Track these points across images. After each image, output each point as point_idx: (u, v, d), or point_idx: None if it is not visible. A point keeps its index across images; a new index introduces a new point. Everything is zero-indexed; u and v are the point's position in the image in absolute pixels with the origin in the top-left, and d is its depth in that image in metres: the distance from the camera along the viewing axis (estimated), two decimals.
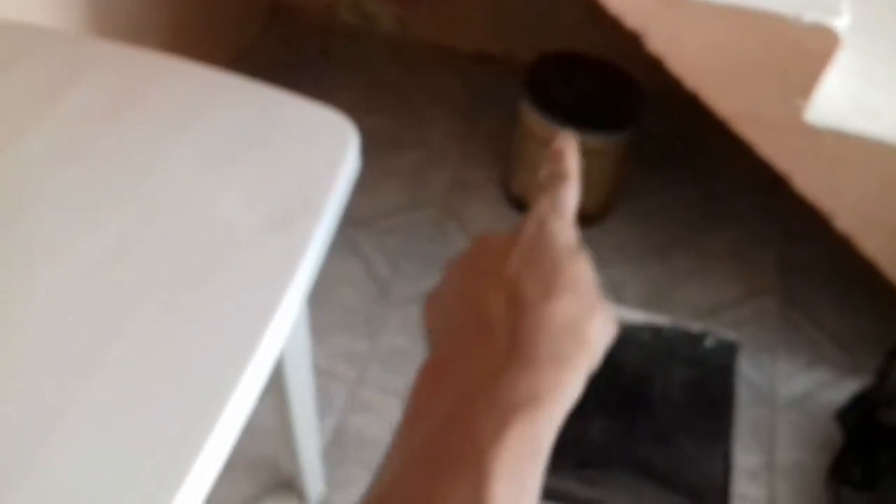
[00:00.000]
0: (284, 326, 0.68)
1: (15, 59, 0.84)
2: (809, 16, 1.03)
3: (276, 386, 0.99)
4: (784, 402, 1.36)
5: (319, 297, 1.40)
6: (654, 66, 1.13)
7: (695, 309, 1.47)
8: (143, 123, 0.80)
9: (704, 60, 1.11)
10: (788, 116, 1.11)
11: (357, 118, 1.76)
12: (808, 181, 1.18)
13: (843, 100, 1.15)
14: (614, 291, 1.48)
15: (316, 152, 0.82)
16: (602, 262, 1.54)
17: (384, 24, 1.89)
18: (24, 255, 0.68)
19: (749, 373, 1.38)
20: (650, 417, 1.27)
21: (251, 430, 1.22)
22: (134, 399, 0.60)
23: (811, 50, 1.05)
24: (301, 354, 0.99)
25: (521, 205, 1.57)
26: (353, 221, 1.52)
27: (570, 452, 1.21)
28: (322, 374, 1.31)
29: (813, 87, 1.09)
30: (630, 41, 1.11)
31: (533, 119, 1.46)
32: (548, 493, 1.21)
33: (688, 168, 1.68)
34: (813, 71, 1.08)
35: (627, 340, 1.36)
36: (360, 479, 1.20)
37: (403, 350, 1.35)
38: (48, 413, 0.58)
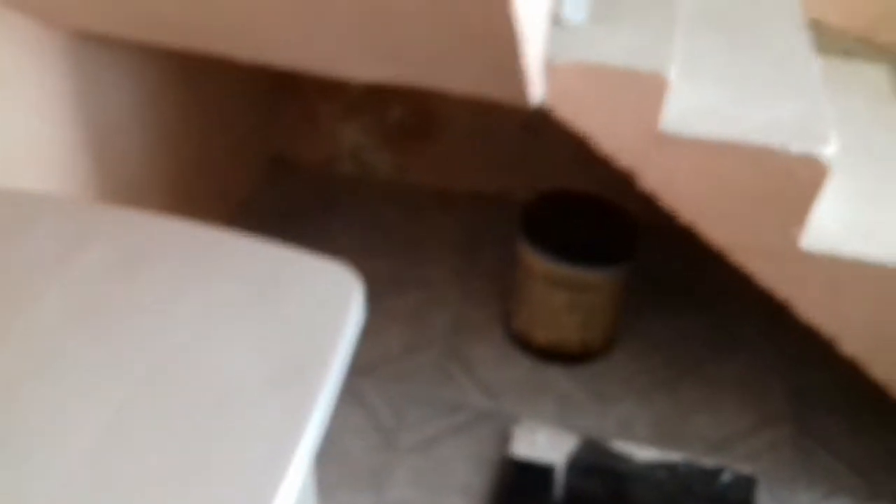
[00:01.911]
0: (294, 486, 0.66)
1: (24, 227, 0.85)
2: (797, 146, 1.06)
3: None
4: None
5: (322, 450, 1.37)
6: (649, 200, 1.15)
7: (707, 442, 1.43)
8: (151, 285, 0.80)
9: (698, 195, 1.13)
10: (784, 245, 1.12)
11: (358, 262, 1.77)
12: (810, 307, 1.18)
13: (837, 224, 1.16)
14: (624, 427, 1.44)
15: (320, 305, 0.81)
16: (609, 398, 1.52)
17: (382, 172, 1.93)
18: (45, 415, 0.67)
19: None
20: None
21: None
22: None
23: (802, 179, 1.07)
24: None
25: (523, 343, 1.56)
26: (356, 369, 1.49)
27: None
28: None
29: (806, 216, 1.10)
30: (624, 178, 1.14)
31: (531, 257, 1.48)
32: None
33: (690, 298, 1.69)
34: (805, 199, 1.10)
35: (642, 479, 1.31)
36: None
37: (411, 502, 1.31)
38: None
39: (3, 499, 0.62)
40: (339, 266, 0.85)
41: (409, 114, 1.83)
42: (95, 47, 1.25)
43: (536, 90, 1.06)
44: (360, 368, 1.50)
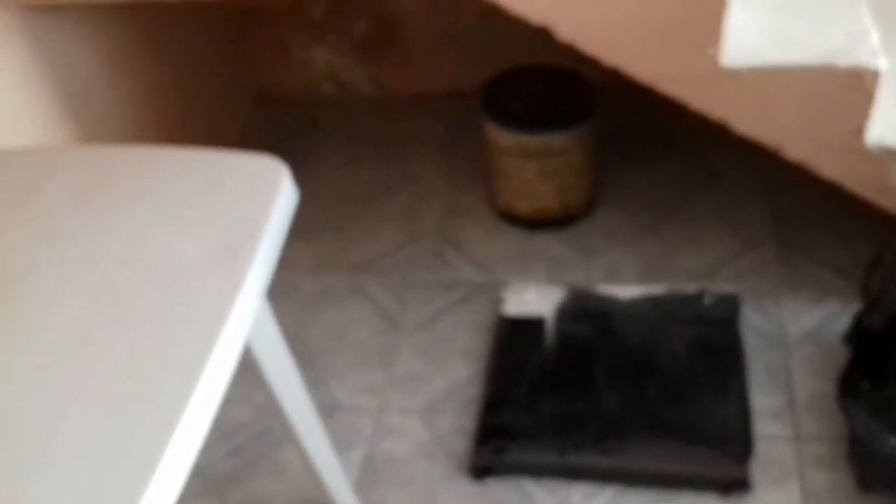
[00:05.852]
0: (240, 326, 0.78)
1: None
2: None
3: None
4: (796, 339, 1.37)
5: (334, 342, 1.50)
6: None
7: (693, 273, 1.50)
8: (107, 203, 0.92)
9: (613, 35, 1.18)
10: (705, 66, 1.17)
11: (350, 174, 1.91)
12: (745, 122, 1.22)
13: (755, 35, 1.20)
14: (611, 275, 1.52)
15: (252, 193, 0.93)
16: (596, 252, 1.61)
17: (361, 88, 2.02)
18: (20, 312, 0.80)
19: (756, 321, 1.40)
20: (661, 381, 1.30)
21: (287, 473, 1.30)
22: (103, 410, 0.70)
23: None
24: (296, 397, 1.07)
25: (508, 217, 1.65)
26: (357, 268, 1.62)
27: (587, 428, 1.25)
28: (347, 410, 1.39)
29: (719, 33, 1.15)
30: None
31: (496, 134, 1.55)
32: (571, 470, 1.26)
33: (664, 146, 1.74)
34: (714, 16, 1.14)
35: (627, 314, 1.40)
36: (396, 497, 1.26)
37: (419, 373, 1.43)
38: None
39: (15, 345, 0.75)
40: (267, 158, 0.97)
41: (372, 25, 1.90)
42: (51, 18, 1.36)
43: None
44: (360, 266, 1.62)
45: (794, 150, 1.25)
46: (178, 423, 0.68)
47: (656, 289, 1.43)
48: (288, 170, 0.94)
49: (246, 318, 0.81)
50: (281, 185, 0.93)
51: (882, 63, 1.15)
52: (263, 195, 0.92)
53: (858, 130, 1.20)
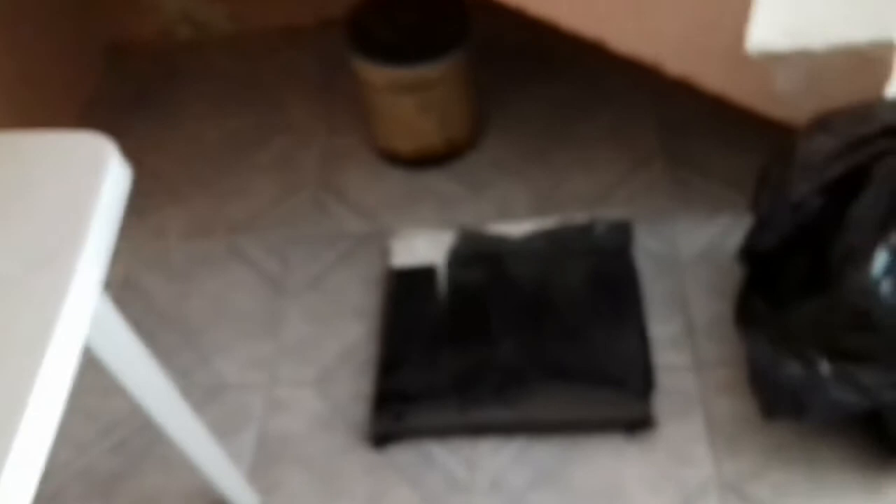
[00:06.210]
0: (67, 345, 0.68)
1: None
2: None
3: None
4: (689, 260, 1.33)
5: (215, 313, 1.40)
6: None
7: (585, 199, 1.44)
8: None
9: None
10: None
11: (216, 124, 1.72)
12: (622, 40, 1.15)
13: None
14: (502, 209, 1.45)
15: (72, 182, 0.80)
16: (485, 185, 1.52)
17: (221, 27, 1.85)
18: None
19: (650, 245, 1.36)
20: (557, 321, 1.25)
21: (176, 466, 1.22)
22: None
23: None
24: (159, 397, 0.98)
25: (391, 158, 1.55)
26: (233, 229, 1.51)
27: (485, 380, 1.20)
28: (235, 389, 1.30)
29: None
30: None
31: (364, 68, 1.43)
32: (474, 427, 1.20)
33: (550, 66, 1.64)
34: None
35: (520, 253, 1.34)
36: (294, 478, 1.19)
37: (309, 337, 1.34)
38: None
39: None
40: (88, 136, 0.83)
41: None
42: None
43: None
44: (237, 227, 1.50)
45: (675, 64, 1.17)
46: (4, 464, 0.58)
47: (548, 222, 1.36)
48: (115, 147, 0.81)
49: (78, 329, 0.70)
50: (108, 167, 0.80)
51: None
52: (87, 183, 0.79)
53: (739, 37, 1.13)
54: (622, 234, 1.33)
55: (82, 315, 0.72)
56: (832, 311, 0.92)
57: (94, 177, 0.80)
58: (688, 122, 1.51)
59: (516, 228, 1.37)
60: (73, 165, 0.82)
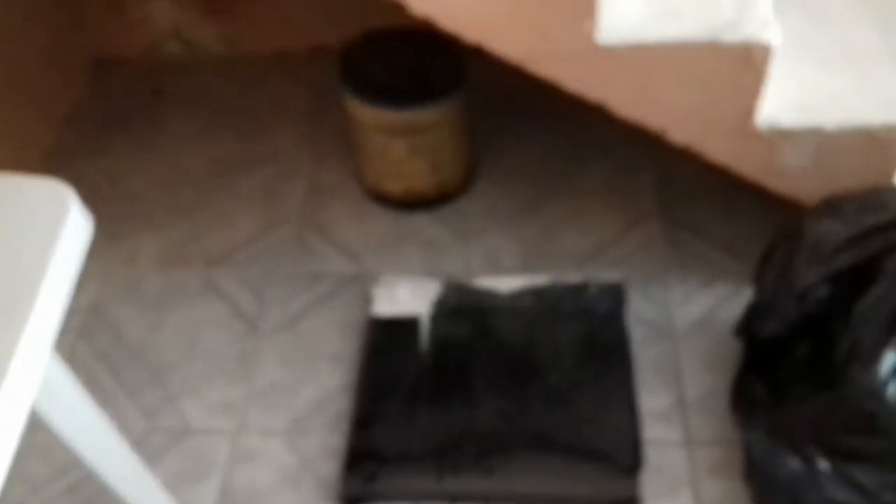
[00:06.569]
0: (11, 419, 0.61)
1: None
2: None
3: None
4: (683, 329, 1.29)
5: (185, 350, 1.33)
6: None
7: (576, 256, 1.39)
8: None
9: (474, 7, 1.02)
10: (581, 42, 1.04)
11: (199, 149, 1.64)
12: (625, 104, 1.11)
13: (636, 7, 1.07)
14: (491, 260, 1.40)
15: (26, 233, 0.74)
16: (474, 234, 1.47)
17: (211, 47, 1.79)
18: None
19: (642, 309, 1.31)
20: (544, 386, 1.20)
21: None
22: None
23: None
24: (111, 460, 0.91)
25: (378, 198, 1.50)
26: (210, 261, 1.45)
27: (464, 445, 1.14)
28: (200, 434, 1.24)
29: (595, 5, 1.01)
30: None
31: (355, 105, 1.38)
32: (449, 495, 1.14)
33: (545, 114, 1.59)
34: None
35: (507, 310, 1.29)
36: None
37: (281, 383, 1.28)
38: None
39: None
40: (48, 183, 0.77)
41: None
42: None
43: None
44: (214, 259, 1.44)
45: (680, 133, 1.14)
46: None
47: (538, 279, 1.32)
48: (75, 196, 0.75)
49: (24, 394, 0.64)
50: (67, 218, 0.74)
51: (773, 36, 1.04)
52: (42, 235, 0.73)
53: (748, 111, 1.10)
54: (614, 296, 1.29)
55: (30, 380, 0.66)
56: (835, 409, 0.88)
57: (52, 228, 0.73)
58: (688, 181, 1.47)
59: (505, 283, 1.32)
60: (29, 214, 0.76)
